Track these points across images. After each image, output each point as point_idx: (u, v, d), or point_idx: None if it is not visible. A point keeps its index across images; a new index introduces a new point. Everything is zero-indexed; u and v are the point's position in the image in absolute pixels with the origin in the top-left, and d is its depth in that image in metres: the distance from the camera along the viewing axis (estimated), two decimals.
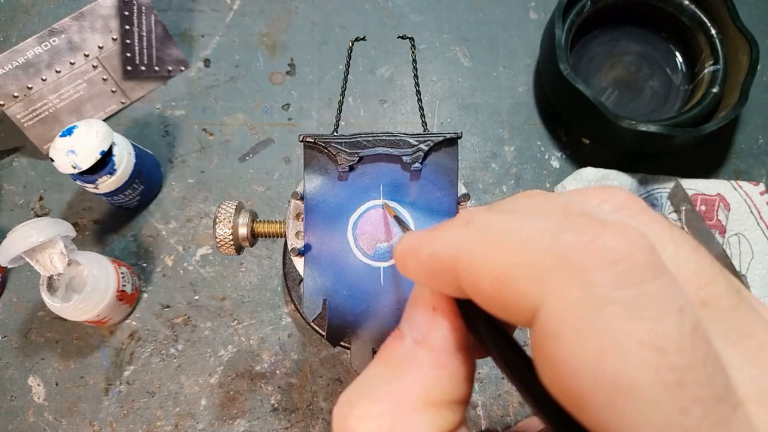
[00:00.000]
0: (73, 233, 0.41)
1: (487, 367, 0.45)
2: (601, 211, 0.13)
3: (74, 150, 0.41)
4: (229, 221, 0.34)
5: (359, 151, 0.33)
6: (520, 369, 0.12)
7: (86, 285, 0.40)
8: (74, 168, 0.41)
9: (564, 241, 0.11)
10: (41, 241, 0.38)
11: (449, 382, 0.13)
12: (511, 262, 0.11)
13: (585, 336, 0.10)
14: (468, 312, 0.14)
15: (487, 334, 0.13)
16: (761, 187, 0.48)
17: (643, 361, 0.09)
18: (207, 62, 0.54)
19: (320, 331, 0.42)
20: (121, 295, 0.43)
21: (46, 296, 0.40)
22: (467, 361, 0.14)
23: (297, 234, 0.33)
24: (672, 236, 0.12)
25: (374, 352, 0.32)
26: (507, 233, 0.12)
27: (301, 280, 0.33)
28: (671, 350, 0.09)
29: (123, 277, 0.43)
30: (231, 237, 0.34)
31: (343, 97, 0.37)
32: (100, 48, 0.50)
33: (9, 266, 0.38)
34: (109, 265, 0.43)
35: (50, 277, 0.41)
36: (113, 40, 0.50)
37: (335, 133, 0.35)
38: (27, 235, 0.37)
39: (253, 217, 0.35)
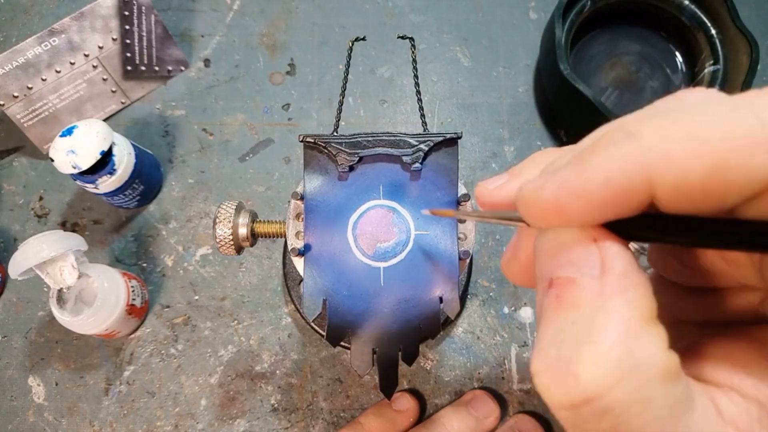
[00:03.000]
0: (84, 247, 0.40)
1: (486, 367, 0.45)
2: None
3: (74, 150, 0.41)
4: (229, 221, 0.34)
5: (359, 151, 0.33)
6: (723, 228, 0.11)
7: (96, 299, 0.40)
8: (74, 168, 0.41)
9: (761, 106, 0.11)
10: (52, 256, 0.38)
11: (649, 297, 0.12)
12: (728, 145, 0.11)
13: None
14: (628, 226, 0.13)
15: (673, 228, 0.12)
16: None
17: None
18: (207, 62, 0.54)
19: (320, 331, 0.42)
20: (131, 309, 0.43)
21: (56, 310, 0.40)
22: (643, 273, 0.13)
23: (297, 234, 0.33)
24: None
25: (374, 352, 0.32)
26: (696, 125, 0.11)
27: (301, 280, 0.33)
28: None
29: (133, 291, 0.43)
30: (231, 237, 0.34)
31: (343, 97, 0.37)
32: (100, 48, 0.50)
33: (20, 278, 0.38)
34: (119, 279, 0.42)
35: (60, 290, 0.41)
36: (113, 40, 0.50)
37: (335, 133, 0.35)
38: (38, 249, 0.37)
39: (253, 217, 0.35)
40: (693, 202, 0.12)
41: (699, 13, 0.50)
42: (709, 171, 0.11)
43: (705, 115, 0.11)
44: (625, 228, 0.13)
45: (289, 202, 0.34)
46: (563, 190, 0.12)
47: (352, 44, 0.39)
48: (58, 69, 0.49)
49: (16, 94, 0.48)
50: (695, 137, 0.11)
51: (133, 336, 0.46)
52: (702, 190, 0.11)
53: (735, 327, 0.14)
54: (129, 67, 0.52)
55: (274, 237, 0.35)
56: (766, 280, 0.13)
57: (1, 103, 0.48)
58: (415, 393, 0.44)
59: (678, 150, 0.11)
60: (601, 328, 0.12)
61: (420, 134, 0.33)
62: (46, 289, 0.47)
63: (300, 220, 0.33)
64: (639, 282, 0.12)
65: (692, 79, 0.52)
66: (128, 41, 0.51)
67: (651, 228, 0.13)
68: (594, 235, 0.13)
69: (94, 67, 0.50)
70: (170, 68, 0.53)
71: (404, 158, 0.33)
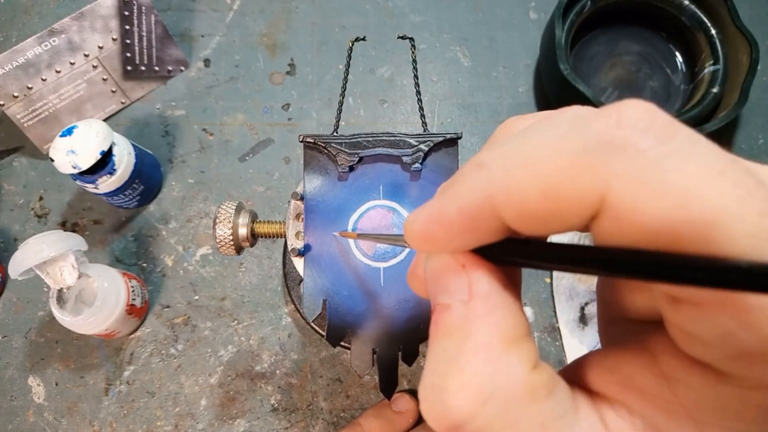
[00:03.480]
0: (84, 247, 0.40)
1: None
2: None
3: (74, 150, 0.41)
4: (229, 221, 0.34)
5: (359, 151, 0.33)
6: (580, 253, 0.12)
7: (96, 299, 0.40)
8: (74, 168, 0.41)
9: (596, 131, 0.11)
10: (52, 256, 0.38)
11: (514, 317, 0.13)
12: (556, 170, 0.11)
13: (661, 194, 0.10)
14: (493, 252, 0.14)
15: (526, 253, 0.13)
16: None
17: (717, 187, 0.10)
18: (207, 62, 0.54)
19: (320, 331, 0.42)
20: (131, 309, 0.43)
21: (56, 310, 0.40)
22: (514, 292, 0.14)
23: (297, 234, 0.33)
24: None
25: (374, 352, 0.32)
26: (531, 150, 0.12)
27: (301, 280, 0.33)
28: (729, 174, 0.10)
29: (133, 291, 0.43)
30: (231, 237, 0.34)
31: (343, 97, 0.37)
32: (100, 48, 0.50)
33: (20, 278, 0.38)
34: (119, 279, 0.42)
35: (60, 290, 0.41)
36: (113, 40, 0.50)
37: (335, 133, 0.35)
38: (38, 249, 0.37)
39: (253, 218, 0.35)
40: (540, 225, 0.12)
41: (699, 13, 0.50)
42: (543, 197, 0.12)
43: (542, 141, 0.12)
44: (491, 253, 0.14)
45: (289, 202, 0.34)
46: (428, 219, 0.14)
47: (352, 44, 0.39)
48: (58, 69, 0.49)
49: (16, 94, 0.48)
50: (530, 165, 0.12)
51: (133, 336, 0.46)
52: (542, 214, 0.12)
53: (642, 331, 0.15)
54: (129, 67, 0.52)
55: (274, 237, 0.35)
56: (657, 305, 0.14)
57: (1, 103, 0.48)
58: (415, 393, 0.44)
59: (516, 179, 0.12)
60: (464, 355, 0.13)
61: (420, 134, 0.33)
62: (46, 289, 0.47)
63: (300, 220, 0.33)
64: (502, 304, 0.13)
65: (692, 79, 0.52)
66: (128, 41, 0.51)
67: (512, 252, 0.14)
68: (462, 261, 0.14)
69: (94, 67, 0.50)
70: (170, 68, 0.53)
71: (404, 158, 0.33)
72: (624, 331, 0.16)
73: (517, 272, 0.16)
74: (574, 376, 0.15)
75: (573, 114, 0.13)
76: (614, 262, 0.11)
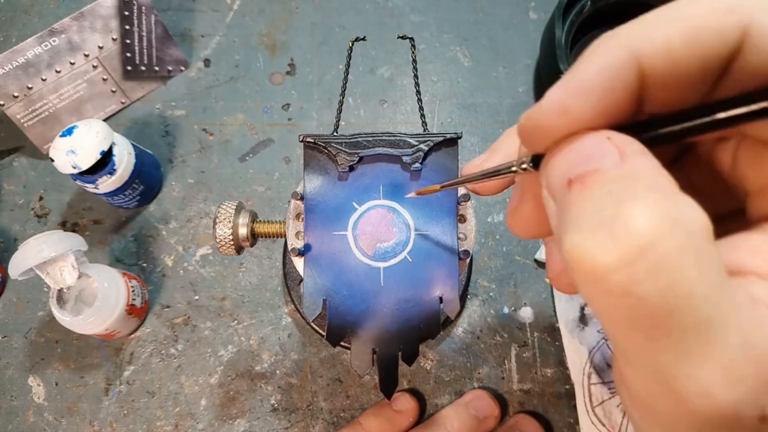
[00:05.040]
0: (84, 247, 0.40)
1: (486, 367, 0.45)
2: None
3: (74, 150, 0.41)
4: (229, 221, 0.34)
5: (359, 151, 0.33)
6: (712, 108, 0.12)
7: (96, 299, 0.40)
8: (74, 168, 0.41)
9: None
10: (52, 256, 0.38)
11: (669, 179, 0.12)
12: (696, 15, 0.12)
13: None
14: (634, 130, 0.13)
15: (665, 123, 0.13)
16: None
17: None
18: (207, 62, 0.54)
19: (320, 331, 0.42)
20: (131, 309, 0.43)
21: (56, 310, 0.40)
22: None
23: (297, 234, 0.33)
24: None
25: (374, 352, 0.32)
26: (666, 10, 0.13)
27: (301, 280, 0.33)
28: None
29: (133, 291, 0.43)
30: (231, 237, 0.34)
31: (343, 97, 0.37)
32: (100, 48, 0.50)
33: (20, 278, 0.38)
34: (119, 279, 0.42)
35: (60, 290, 0.41)
36: (113, 40, 0.50)
37: (335, 133, 0.35)
38: (38, 249, 0.37)
39: (253, 218, 0.35)
40: (678, 73, 0.12)
41: None
42: (685, 41, 0.12)
43: (677, 5, 0.13)
44: (632, 130, 0.13)
45: (289, 202, 0.34)
46: (563, 91, 0.13)
47: (352, 44, 0.39)
48: (58, 69, 0.49)
49: (16, 94, 0.48)
50: (671, 17, 0.13)
51: (133, 336, 0.46)
52: (685, 60, 0.12)
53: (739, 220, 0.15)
54: (129, 67, 0.52)
55: (274, 237, 0.35)
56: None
57: (1, 103, 0.48)
58: (415, 393, 0.44)
59: (658, 26, 0.13)
60: (639, 188, 0.11)
61: (420, 134, 0.33)
62: (46, 289, 0.47)
63: (300, 220, 0.33)
64: (659, 165, 0.12)
65: None
66: (128, 41, 0.51)
67: (652, 124, 0.13)
68: (606, 134, 0.13)
69: (94, 67, 0.50)
70: (170, 68, 0.53)
71: (404, 158, 0.33)
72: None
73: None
74: None
75: None
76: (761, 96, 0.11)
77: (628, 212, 0.11)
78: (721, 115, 0.12)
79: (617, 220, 0.11)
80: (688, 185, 0.16)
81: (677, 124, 0.13)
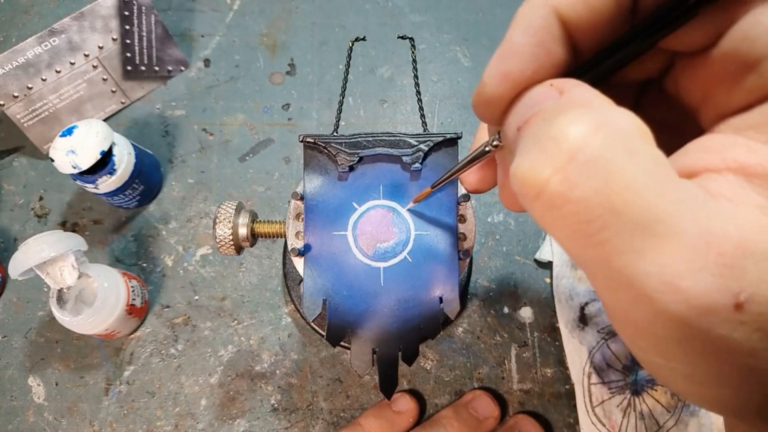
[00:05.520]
0: (84, 247, 0.40)
1: (486, 367, 0.45)
2: None
3: (74, 150, 0.41)
4: (229, 221, 0.34)
5: (359, 151, 0.33)
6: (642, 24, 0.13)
7: (96, 299, 0.40)
8: (74, 168, 0.41)
9: None
10: (52, 256, 0.38)
11: (602, 97, 0.13)
12: None
13: None
14: (576, 71, 0.14)
15: (603, 54, 0.14)
16: None
17: None
18: (207, 62, 0.54)
19: (320, 331, 0.42)
20: (131, 309, 0.43)
21: (56, 310, 0.40)
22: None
23: (297, 234, 0.33)
24: None
25: (374, 352, 0.32)
26: None
27: (301, 280, 0.33)
28: None
29: (133, 291, 0.43)
30: (231, 237, 0.34)
31: (343, 97, 0.37)
32: (100, 48, 0.50)
33: (20, 278, 0.38)
34: (119, 279, 0.42)
35: (60, 290, 0.41)
36: (113, 40, 0.50)
37: (335, 133, 0.35)
38: (38, 249, 0.37)
39: (253, 218, 0.35)
40: (596, 14, 0.13)
41: None
42: None
43: None
44: (574, 75, 0.14)
45: (289, 202, 0.34)
46: (499, 59, 0.14)
47: (352, 44, 0.39)
48: (58, 69, 0.49)
49: (16, 94, 0.48)
50: None
51: (133, 336, 0.46)
52: None
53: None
54: (129, 67, 0.52)
55: (274, 237, 0.35)
56: (698, 79, 0.15)
57: (1, 103, 0.48)
58: (415, 393, 0.44)
59: None
60: (570, 107, 0.12)
61: (420, 134, 0.33)
62: (46, 289, 0.47)
63: (300, 220, 0.33)
64: (596, 91, 0.13)
65: None
66: (128, 41, 0.51)
67: (589, 64, 0.14)
68: (549, 82, 0.14)
69: (94, 67, 0.50)
70: (170, 68, 0.53)
71: (404, 158, 0.33)
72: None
73: None
74: None
75: None
76: (665, 14, 0.12)
77: (557, 127, 0.12)
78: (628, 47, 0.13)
79: (548, 135, 0.12)
80: (654, 126, 0.17)
81: (609, 58, 0.14)
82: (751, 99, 0.13)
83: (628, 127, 0.11)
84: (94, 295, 0.41)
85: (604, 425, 0.42)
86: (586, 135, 0.11)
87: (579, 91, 0.13)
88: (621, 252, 0.11)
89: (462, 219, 0.33)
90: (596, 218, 0.11)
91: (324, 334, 0.32)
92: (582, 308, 0.45)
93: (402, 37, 0.39)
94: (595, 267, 0.12)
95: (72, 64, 0.49)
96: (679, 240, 0.11)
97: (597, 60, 0.14)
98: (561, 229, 0.12)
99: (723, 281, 0.11)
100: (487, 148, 0.18)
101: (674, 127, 0.16)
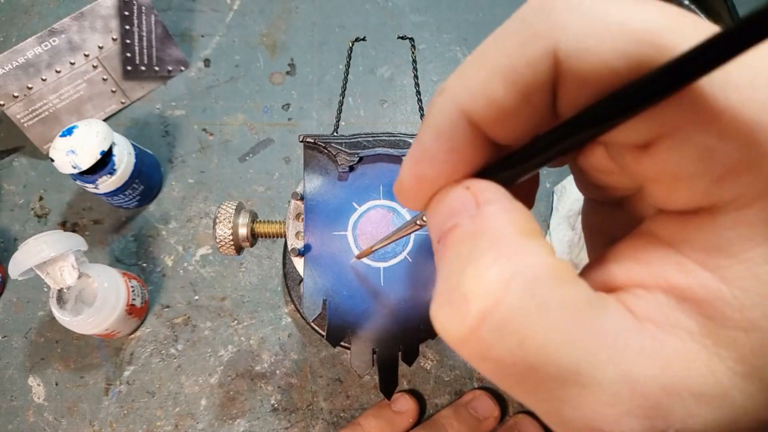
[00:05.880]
0: (84, 247, 0.40)
1: None
2: None
3: (74, 150, 0.41)
4: (229, 221, 0.34)
5: (359, 151, 0.33)
6: (561, 129, 0.12)
7: (96, 299, 0.40)
8: (74, 168, 0.41)
9: (529, 4, 0.12)
10: (52, 256, 0.38)
11: (528, 217, 0.12)
12: (506, 52, 0.12)
13: (603, 28, 0.11)
14: (488, 173, 0.13)
15: (518, 158, 0.13)
16: None
17: (649, 12, 0.11)
18: (207, 62, 0.54)
19: (320, 331, 0.42)
20: (131, 309, 0.43)
21: (56, 310, 0.40)
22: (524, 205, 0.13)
23: (297, 234, 0.33)
24: None
25: (374, 352, 0.32)
26: (480, 52, 0.12)
27: (301, 280, 0.33)
28: (654, 5, 0.11)
29: (133, 291, 0.43)
30: (231, 237, 0.34)
31: (343, 97, 0.37)
32: (100, 48, 0.50)
33: (20, 278, 0.38)
34: (119, 279, 0.42)
35: (60, 290, 0.41)
36: (113, 40, 0.50)
37: (335, 134, 0.35)
38: (38, 249, 0.37)
39: (253, 218, 0.35)
40: (512, 117, 0.12)
41: (699, 13, 0.50)
42: (503, 81, 0.12)
43: (488, 42, 0.12)
44: (486, 174, 0.13)
45: (289, 202, 0.34)
46: (411, 162, 0.14)
47: (352, 44, 0.39)
48: (58, 69, 0.49)
49: (16, 94, 0.48)
50: (482, 60, 0.12)
51: (133, 336, 0.46)
52: (508, 102, 0.12)
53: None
54: (129, 67, 0.52)
55: (274, 237, 0.35)
56: (631, 172, 0.13)
57: (1, 103, 0.48)
58: (415, 393, 0.44)
59: (474, 77, 0.12)
60: (479, 249, 0.12)
61: None
62: (46, 289, 0.47)
63: (300, 220, 0.33)
64: (513, 207, 0.12)
65: None
66: (128, 41, 0.51)
67: (504, 165, 0.13)
68: (465, 185, 0.13)
69: (94, 67, 0.50)
70: (170, 68, 0.53)
71: (404, 158, 0.33)
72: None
73: (527, 190, 0.16)
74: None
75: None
76: (588, 118, 0.11)
77: (465, 281, 0.11)
78: (543, 154, 0.12)
79: (458, 291, 0.11)
80: (584, 183, 0.16)
81: (532, 157, 0.13)
82: (690, 205, 0.12)
83: (542, 274, 0.11)
84: (94, 295, 0.41)
85: None
86: (496, 293, 0.11)
87: (493, 212, 0.12)
88: (545, 400, 0.11)
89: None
90: (516, 374, 0.11)
91: (324, 334, 0.32)
92: None
93: (402, 37, 0.39)
94: (527, 403, 0.12)
95: (72, 64, 0.49)
96: (601, 388, 0.11)
97: (518, 158, 0.13)
98: (485, 373, 0.12)
99: (649, 422, 0.11)
100: (418, 221, 0.20)
101: (602, 187, 0.15)
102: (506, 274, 0.11)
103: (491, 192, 0.13)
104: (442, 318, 0.12)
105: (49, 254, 0.37)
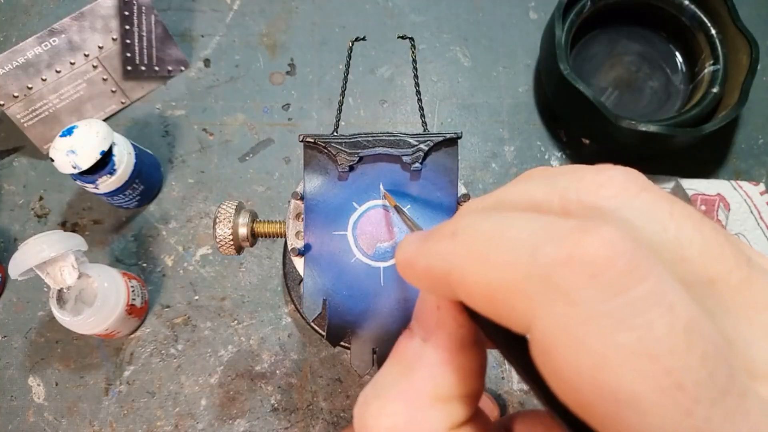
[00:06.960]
0: (84, 247, 0.40)
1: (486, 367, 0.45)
2: (599, 197, 0.12)
3: (74, 150, 0.41)
4: (229, 221, 0.34)
5: (359, 151, 0.33)
6: (528, 365, 0.12)
7: (96, 299, 0.40)
8: (74, 168, 0.41)
9: (544, 258, 0.10)
10: (52, 256, 0.38)
11: (457, 378, 0.13)
12: (498, 280, 0.11)
13: (577, 352, 0.09)
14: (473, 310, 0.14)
15: (492, 331, 0.13)
16: (761, 187, 0.48)
17: (637, 371, 0.09)
18: (207, 62, 0.54)
19: (320, 331, 0.42)
20: (131, 309, 0.43)
21: (56, 310, 0.40)
22: (475, 355, 0.14)
23: (297, 234, 0.33)
24: (673, 214, 0.11)
25: (374, 352, 0.32)
26: (490, 246, 0.12)
27: (301, 280, 0.33)
28: (664, 355, 0.09)
29: (133, 291, 0.43)
30: (231, 237, 0.34)
31: (343, 97, 0.37)
32: (100, 48, 0.50)
33: (20, 278, 0.38)
34: (119, 279, 0.42)
35: (60, 290, 0.41)
36: (113, 40, 0.50)
37: (335, 133, 0.35)
38: (38, 249, 0.37)
39: (253, 217, 0.35)
40: (488, 315, 0.12)
41: (699, 13, 0.50)
42: (485, 299, 0.12)
43: (506, 240, 0.12)
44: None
45: (289, 202, 0.34)
46: (405, 260, 0.14)
47: (352, 44, 0.39)
48: (58, 69, 0.49)
49: (16, 94, 0.48)
50: (485, 265, 0.12)
51: (133, 336, 0.46)
52: (487, 310, 0.12)
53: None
54: (129, 67, 0.52)
55: (274, 237, 0.35)
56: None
57: (1, 103, 0.48)
58: None
59: (470, 273, 0.12)
60: (395, 392, 0.13)
61: (420, 134, 0.33)
62: (46, 289, 0.47)
63: (300, 220, 0.33)
64: (451, 361, 0.14)
65: (692, 79, 0.52)
66: (128, 41, 0.51)
67: (473, 313, 0.14)
68: (442, 303, 0.14)
69: (94, 67, 0.50)
70: (170, 68, 0.53)
71: (404, 158, 0.33)
72: None
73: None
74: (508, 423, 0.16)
75: (561, 197, 0.12)
76: (534, 380, 0.11)
77: (369, 411, 0.14)
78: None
79: (365, 414, 0.14)
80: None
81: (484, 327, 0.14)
82: None
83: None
84: (94, 295, 0.41)
85: None
86: None
87: (431, 359, 0.14)
88: None
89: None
90: None
91: (324, 334, 0.32)
92: None
93: (402, 37, 0.39)
94: None
95: (72, 64, 0.49)
96: None
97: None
98: None
99: None
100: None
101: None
102: (397, 429, 0.13)
103: (444, 335, 0.14)
104: (355, 420, 0.14)
105: (49, 254, 0.37)
